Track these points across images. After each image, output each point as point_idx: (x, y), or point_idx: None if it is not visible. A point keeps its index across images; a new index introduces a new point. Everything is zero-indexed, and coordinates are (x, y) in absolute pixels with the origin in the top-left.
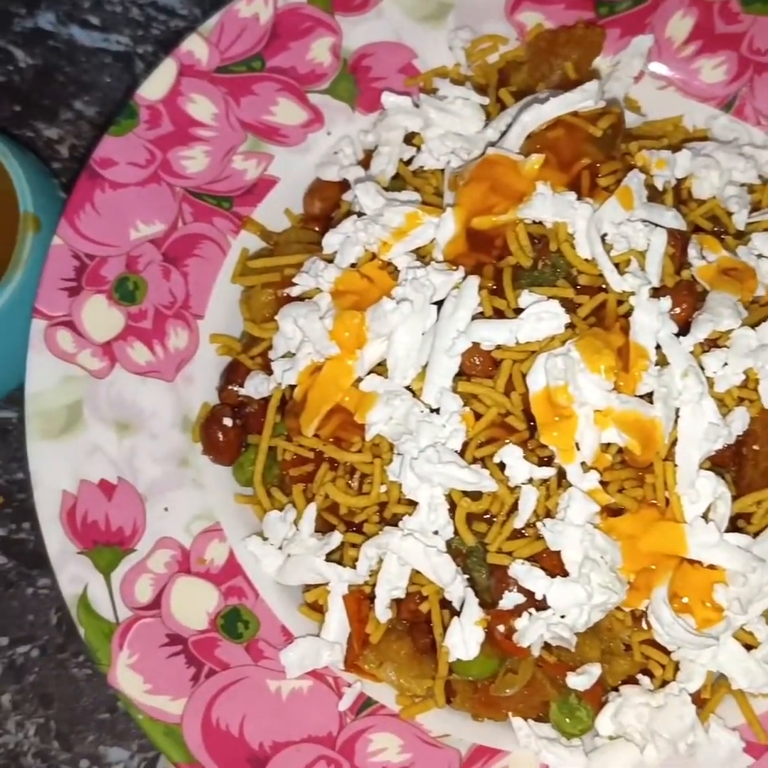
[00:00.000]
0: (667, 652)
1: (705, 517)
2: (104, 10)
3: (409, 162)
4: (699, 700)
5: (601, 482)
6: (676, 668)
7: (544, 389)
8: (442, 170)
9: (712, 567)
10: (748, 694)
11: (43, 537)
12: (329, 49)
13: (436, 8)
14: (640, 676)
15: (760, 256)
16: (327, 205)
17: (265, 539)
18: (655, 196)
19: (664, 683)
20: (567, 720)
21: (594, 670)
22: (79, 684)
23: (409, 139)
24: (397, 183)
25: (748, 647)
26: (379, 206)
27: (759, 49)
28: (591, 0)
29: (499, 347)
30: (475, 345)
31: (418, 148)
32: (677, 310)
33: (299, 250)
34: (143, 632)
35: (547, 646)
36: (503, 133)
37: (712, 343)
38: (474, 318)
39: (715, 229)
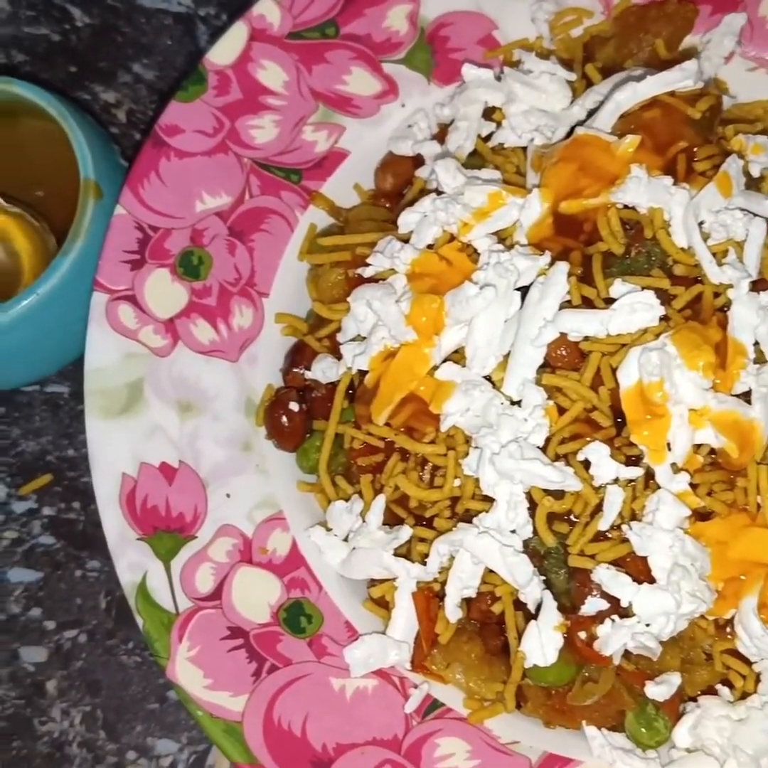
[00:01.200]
0: (749, 663)
1: None
2: None
3: (487, 138)
4: None
5: (691, 484)
6: (757, 679)
7: (637, 385)
8: (524, 148)
9: None
10: None
11: (102, 521)
12: (406, 16)
13: None
14: (719, 687)
15: None
16: (399, 181)
17: (329, 530)
18: (750, 183)
19: (744, 695)
20: (644, 730)
21: (674, 680)
22: (128, 672)
23: (488, 114)
24: (475, 160)
25: None
26: (460, 184)
27: None
28: None
29: (587, 338)
30: (562, 335)
31: (498, 124)
32: None
33: (372, 228)
34: (204, 624)
35: (626, 654)
36: (591, 112)
37: None
38: (561, 307)
39: None
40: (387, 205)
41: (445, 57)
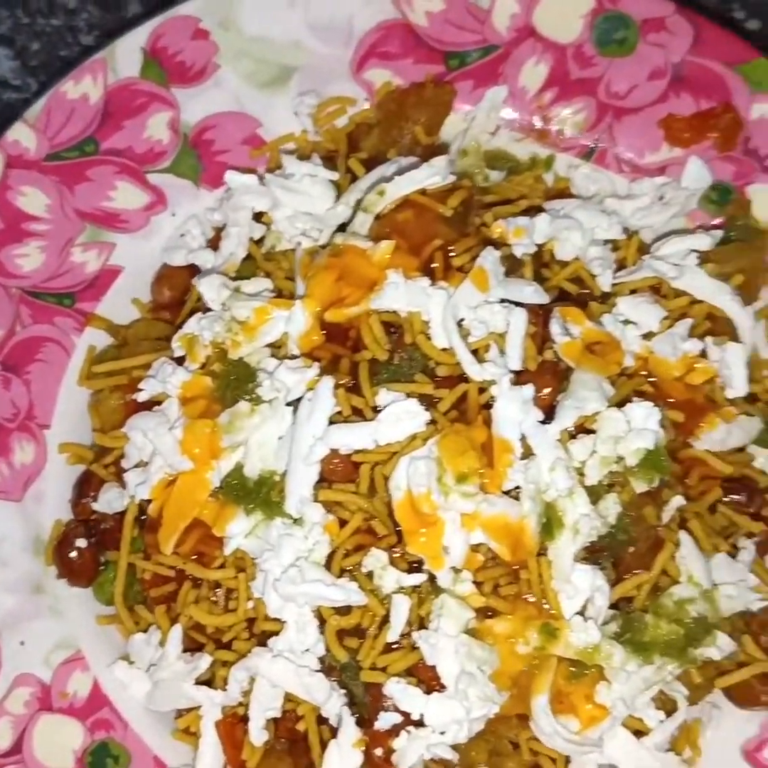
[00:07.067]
0: None
1: (582, 612)
2: None
3: (260, 241)
4: None
5: (475, 582)
6: (567, 761)
7: (407, 496)
8: (294, 250)
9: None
10: None
11: None
12: (167, 124)
13: (278, 72)
14: None
15: (626, 322)
16: (177, 292)
17: (131, 663)
18: (515, 266)
19: None
20: None
21: None
22: None
23: (259, 216)
24: (249, 265)
25: (639, 733)
26: (225, 298)
27: (617, 92)
28: (440, 53)
29: (358, 450)
30: (334, 449)
31: (268, 227)
32: (542, 393)
33: (147, 349)
34: None
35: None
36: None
37: (580, 427)
38: (331, 420)
39: (581, 291)
40: (167, 317)
41: (212, 160)
